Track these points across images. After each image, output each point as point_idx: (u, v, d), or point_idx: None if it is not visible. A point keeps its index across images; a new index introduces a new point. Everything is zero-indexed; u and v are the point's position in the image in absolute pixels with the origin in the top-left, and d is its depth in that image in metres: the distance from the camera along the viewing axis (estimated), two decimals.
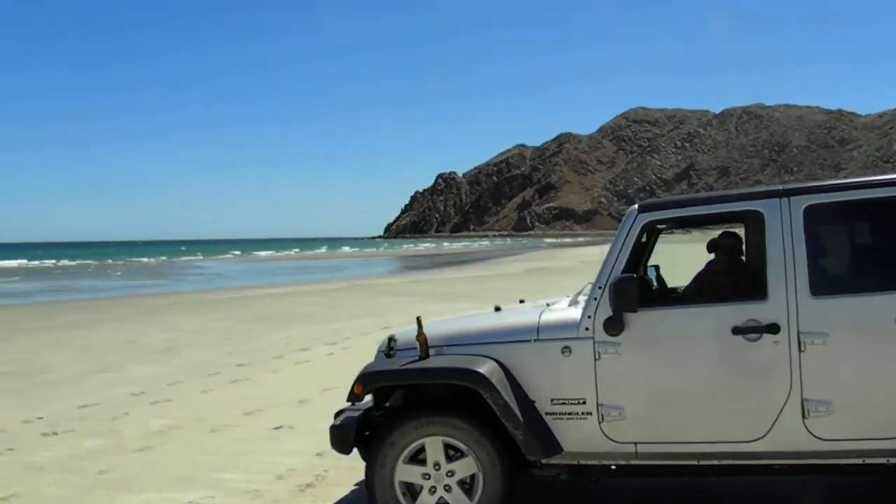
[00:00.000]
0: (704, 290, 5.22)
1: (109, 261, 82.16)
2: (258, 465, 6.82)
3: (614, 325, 4.64)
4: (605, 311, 4.66)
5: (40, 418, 9.15)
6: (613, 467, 4.70)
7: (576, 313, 4.81)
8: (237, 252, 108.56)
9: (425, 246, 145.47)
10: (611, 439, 4.68)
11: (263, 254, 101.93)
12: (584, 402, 4.70)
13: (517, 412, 4.59)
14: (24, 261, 79.99)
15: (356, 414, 5.05)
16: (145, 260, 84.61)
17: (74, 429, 8.58)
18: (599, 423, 4.68)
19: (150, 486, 6.40)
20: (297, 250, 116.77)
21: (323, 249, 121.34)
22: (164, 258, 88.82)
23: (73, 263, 76.33)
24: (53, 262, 78.94)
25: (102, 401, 10.02)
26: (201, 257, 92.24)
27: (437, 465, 4.77)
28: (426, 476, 4.79)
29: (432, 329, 5.04)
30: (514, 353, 4.80)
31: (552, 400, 4.74)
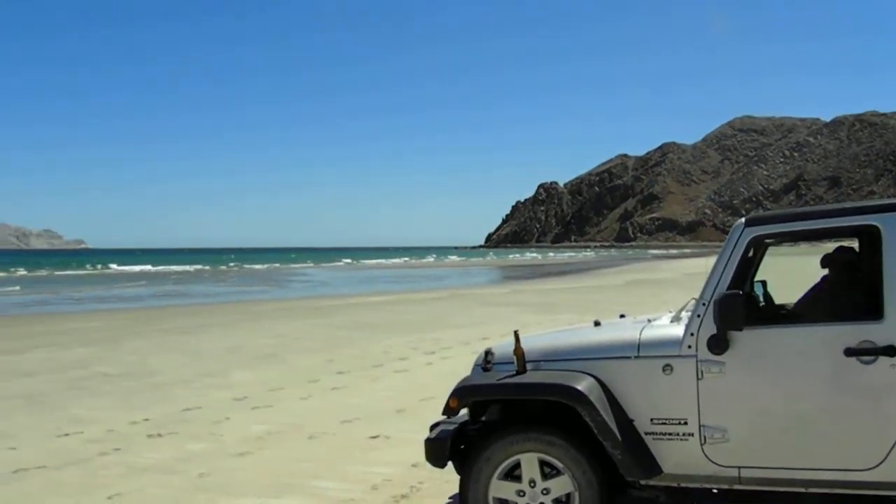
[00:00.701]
0: (816, 308, 4.98)
1: (223, 267, 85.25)
2: (354, 474, 6.84)
3: (718, 344, 4.46)
4: (709, 329, 4.48)
5: (146, 420, 9.40)
6: (715, 491, 4.52)
7: (678, 330, 4.64)
8: (348, 260, 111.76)
9: (531, 255, 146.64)
10: (713, 462, 4.50)
11: (371, 262, 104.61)
12: (686, 423, 4.53)
13: (615, 431, 4.46)
14: (149, 266, 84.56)
15: (451, 427, 4.99)
16: (257, 266, 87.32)
17: (178, 431, 8.78)
18: (701, 444, 4.51)
19: (248, 491, 6.48)
20: (406, 259, 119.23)
21: (431, 258, 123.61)
22: (276, 265, 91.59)
23: (191, 269, 79.58)
24: (174, 267, 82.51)
25: (206, 405, 10.24)
26: (311, 265, 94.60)
27: (532, 483, 4.67)
28: (521, 493, 4.69)
29: (530, 343, 4.95)
30: (614, 370, 4.67)
31: (652, 419, 4.59)
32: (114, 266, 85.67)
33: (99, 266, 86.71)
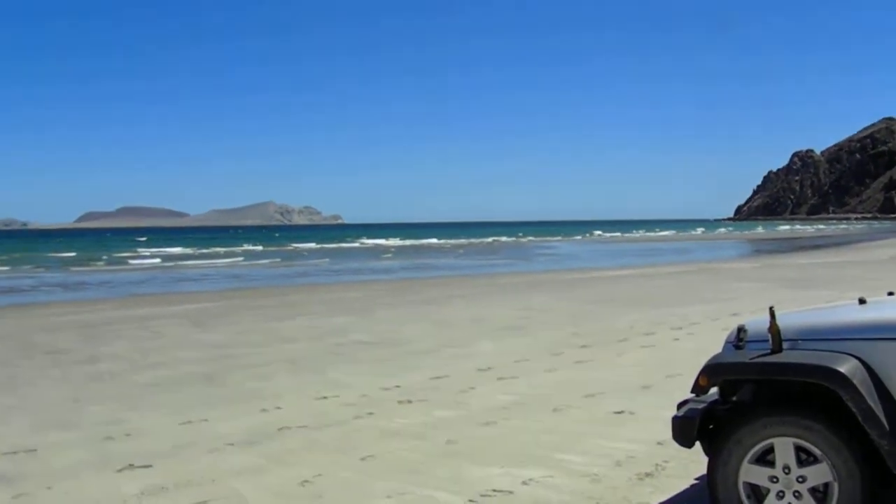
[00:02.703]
0: None
1: (490, 240, 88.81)
2: (598, 449, 6.78)
3: None
4: None
5: (397, 386, 9.80)
6: None
7: None
8: (617, 233, 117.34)
9: (801, 228, 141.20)
10: None
11: (636, 234, 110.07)
12: None
13: (882, 419, 4.10)
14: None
15: (700, 406, 4.80)
16: (504, 239, 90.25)
17: (427, 398, 9.08)
18: None
19: (493, 460, 6.59)
20: (674, 231, 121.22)
21: (699, 231, 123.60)
22: (529, 238, 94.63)
23: (445, 242, 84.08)
24: (426, 241, 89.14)
25: (453, 374, 10.52)
26: (560, 238, 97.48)
27: (786, 469, 4.41)
28: (774, 479, 4.45)
29: (787, 320, 4.66)
30: (881, 353, 4.30)
31: None
32: (369, 240, 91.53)
33: (355, 240, 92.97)
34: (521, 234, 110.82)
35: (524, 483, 5.96)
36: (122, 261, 56.42)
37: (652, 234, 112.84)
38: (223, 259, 55.63)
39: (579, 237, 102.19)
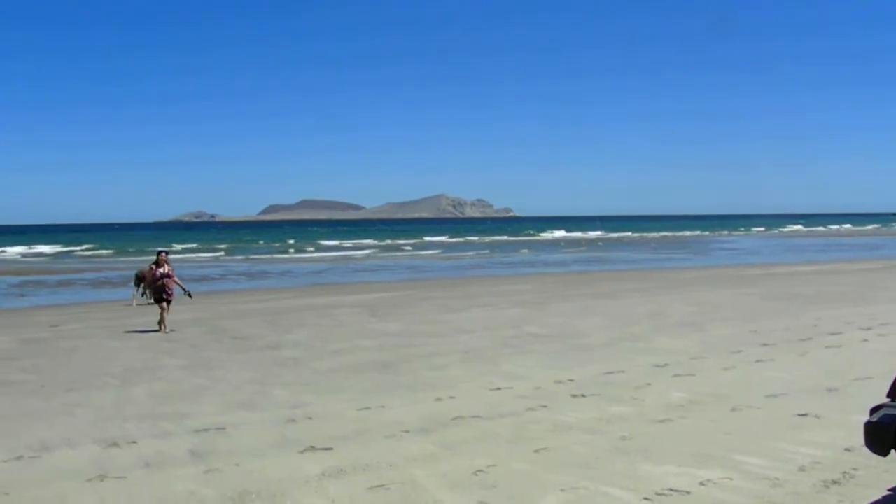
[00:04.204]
0: None
1: (650, 234, 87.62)
2: (779, 453, 6.52)
3: None
4: None
5: (571, 380, 9.76)
6: None
7: None
8: (820, 227, 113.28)
9: None
10: None
11: (834, 227, 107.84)
12: None
13: None
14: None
15: None
16: (686, 233, 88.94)
17: (600, 393, 8.99)
18: None
19: (669, 459, 6.44)
20: (877, 225, 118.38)
21: None
22: (704, 233, 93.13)
23: (654, 236, 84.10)
24: (595, 234, 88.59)
25: (627, 369, 10.38)
26: (761, 229, 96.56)
27: None
28: None
29: None
30: None
31: None
32: (566, 233, 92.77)
33: (537, 233, 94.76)
34: (713, 229, 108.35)
35: (701, 484, 5.81)
36: (330, 249, 60.46)
37: (855, 228, 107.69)
38: (426, 251, 57.31)
39: (777, 231, 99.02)
